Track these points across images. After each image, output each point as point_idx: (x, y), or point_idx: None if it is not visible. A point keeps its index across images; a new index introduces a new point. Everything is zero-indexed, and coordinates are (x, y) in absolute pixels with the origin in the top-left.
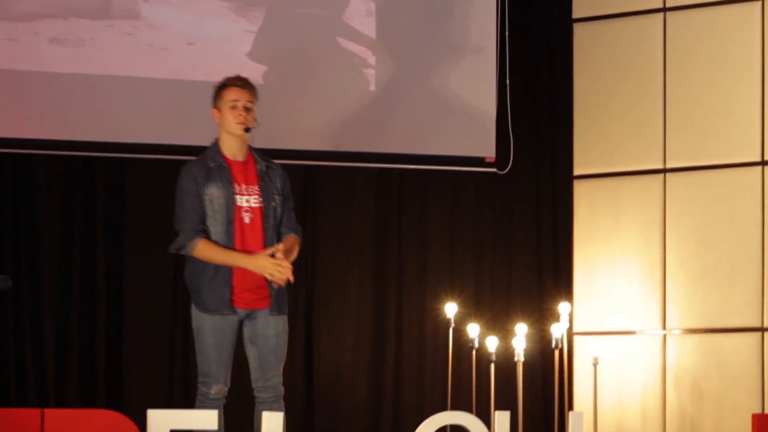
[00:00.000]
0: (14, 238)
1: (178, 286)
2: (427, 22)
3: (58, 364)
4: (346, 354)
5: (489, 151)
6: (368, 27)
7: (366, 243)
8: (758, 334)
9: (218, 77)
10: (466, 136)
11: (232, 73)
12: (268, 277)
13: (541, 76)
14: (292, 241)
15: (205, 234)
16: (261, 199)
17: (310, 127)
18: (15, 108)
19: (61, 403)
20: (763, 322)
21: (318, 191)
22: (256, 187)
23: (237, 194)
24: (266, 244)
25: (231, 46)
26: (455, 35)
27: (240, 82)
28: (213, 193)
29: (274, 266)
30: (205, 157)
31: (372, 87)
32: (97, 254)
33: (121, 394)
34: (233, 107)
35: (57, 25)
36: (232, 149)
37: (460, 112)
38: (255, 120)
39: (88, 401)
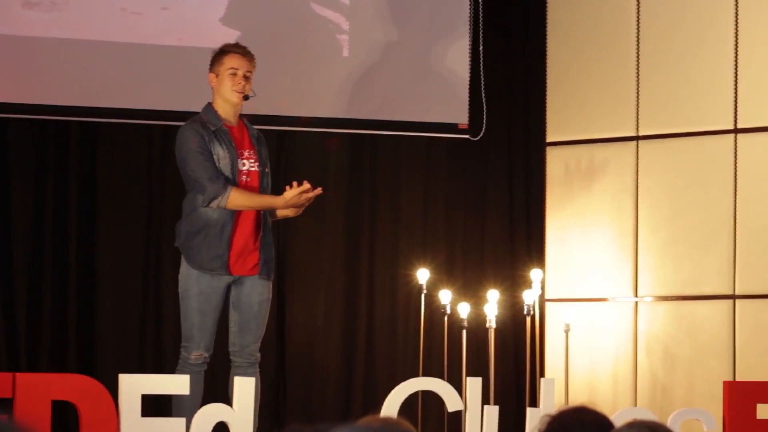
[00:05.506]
0: None
1: (151, 251)
2: None
3: (30, 329)
4: (317, 320)
5: (462, 118)
6: None
7: (338, 209)
8: (729, 302)
9: (192, 42)
10: (439, 103)
11: (205, 38)
12: (297, 206)
13: (515, 42)
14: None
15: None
16: (257, 164)
17: (282, 92)
18: None
19: (33, 368)
20: (734, 290)
21: (290, 157)
22: (252, 152)
23: (238, 157)
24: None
25: (204, 12)
26: (428, 1)
27: (240, 50)
28: (219, 153)
29: (300, 197)
30: (203, 121)
31: (345, 53)
32: (70, 219)
33: (92, 359)
34: (233, 74)
35: None
36: (227, 114)
37: (433, 79)
38: (252, 89)
39: (59, 366)
